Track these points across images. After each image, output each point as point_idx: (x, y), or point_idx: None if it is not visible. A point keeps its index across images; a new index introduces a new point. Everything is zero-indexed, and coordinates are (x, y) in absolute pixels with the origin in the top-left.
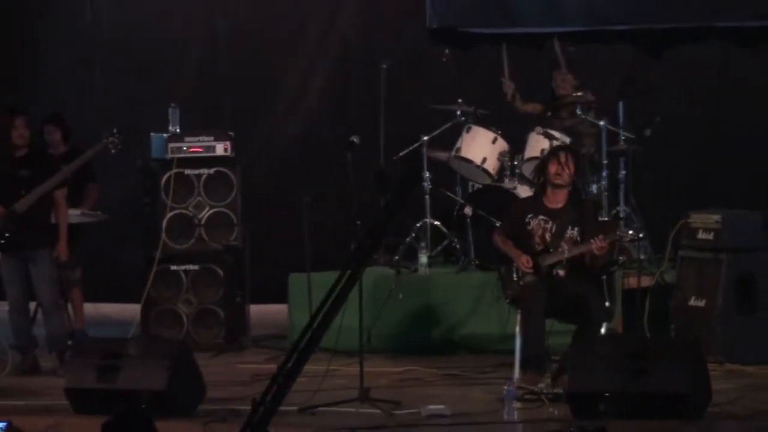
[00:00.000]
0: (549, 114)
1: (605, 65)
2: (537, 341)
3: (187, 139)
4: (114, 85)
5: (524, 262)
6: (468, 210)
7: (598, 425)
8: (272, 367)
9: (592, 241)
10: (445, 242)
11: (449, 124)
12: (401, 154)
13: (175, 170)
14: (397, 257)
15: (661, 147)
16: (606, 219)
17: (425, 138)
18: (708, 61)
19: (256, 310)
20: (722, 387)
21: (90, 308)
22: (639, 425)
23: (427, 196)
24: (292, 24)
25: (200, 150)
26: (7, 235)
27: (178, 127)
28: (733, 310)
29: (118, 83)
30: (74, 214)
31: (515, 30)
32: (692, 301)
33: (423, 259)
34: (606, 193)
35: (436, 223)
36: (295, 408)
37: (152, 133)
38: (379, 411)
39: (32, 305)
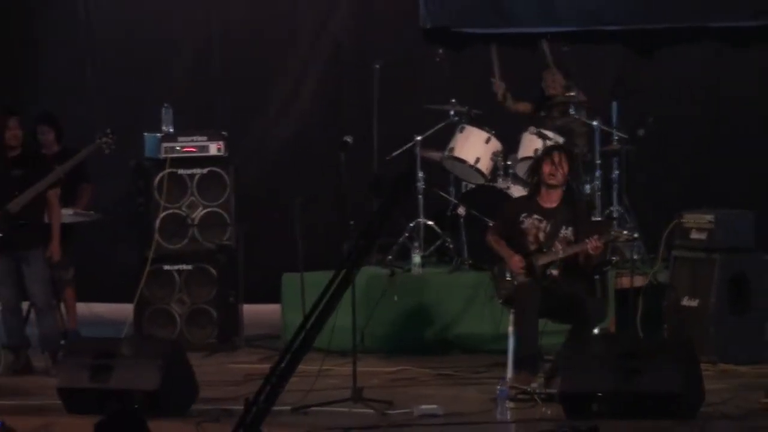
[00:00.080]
0: (542, 114)
1: (597, 65)
2: (530, 341)
3: (181, 139)
4: (107, 85)
5: (516, 262)
6: (461, 210)
7: (591, 425)
8: (265, 367)
9: (587, 241)
10: (439, 242)
11: (442, 124)
12: (394, 154)
13: (168, 170)
14: (390, 257)
15: (654, 147)
16: (599, 219)
17: (418, 138)
18: (700, 61)
19: (249, 310)
20: (715, 387)
21: (83, 308)
22: (632, 425)
23: (420, 196)
24: (284, 25)
25: (193, 150)
26: (0, 235)
27: (171, 127)
28: (725, 310)
29: (111, 83)
30: (67, 214)
31: (508, 30)
32: (685, 301)
33: (416, 258)
34: (599, 193)
35: (430, 222)
36: (288, 408)
37: (145, 133)
38: (372, 411)
39: (25, 305)
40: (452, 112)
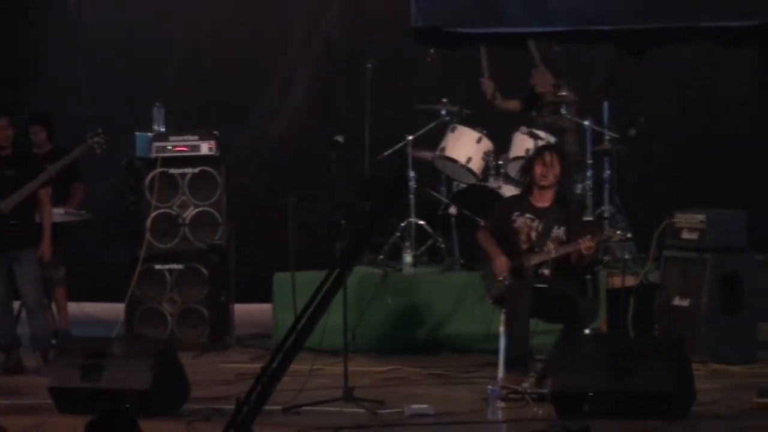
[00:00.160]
0: (533, 114)
1: (589, 65)
2: (521, 341)
3: (172, 138)
4: (99, 84)
5: (500, 264)
6: (453, 209)
7: (583, 425)
8: (256, 366)
9: (580, 241)
10: (430, 242)
11: (434, 123)
12: (386, 153)
13: (159, 169)
14: (381, 257)
15: (646, 147)
16: (590, 219)
17: (410, 137)
18: (691, 61)
19: (240, 309)
20: (706, 387)
21: (74, 307)
22: (623, 425)
23: (411, 196)
24: (276, 24)
25: (185, 149)
26: None
27: (162, 126)
28: (717, 310)
29: (102, 83)
30: (58, 213)
31: (500, 30)
32: (676, 301)
33: (408, 258)
34: (591, 193)
35: (421, 222)
36: (279, 407)
37: (137, 133)
38: (363, 410)
39: (16, 304)
40: (444, 112)
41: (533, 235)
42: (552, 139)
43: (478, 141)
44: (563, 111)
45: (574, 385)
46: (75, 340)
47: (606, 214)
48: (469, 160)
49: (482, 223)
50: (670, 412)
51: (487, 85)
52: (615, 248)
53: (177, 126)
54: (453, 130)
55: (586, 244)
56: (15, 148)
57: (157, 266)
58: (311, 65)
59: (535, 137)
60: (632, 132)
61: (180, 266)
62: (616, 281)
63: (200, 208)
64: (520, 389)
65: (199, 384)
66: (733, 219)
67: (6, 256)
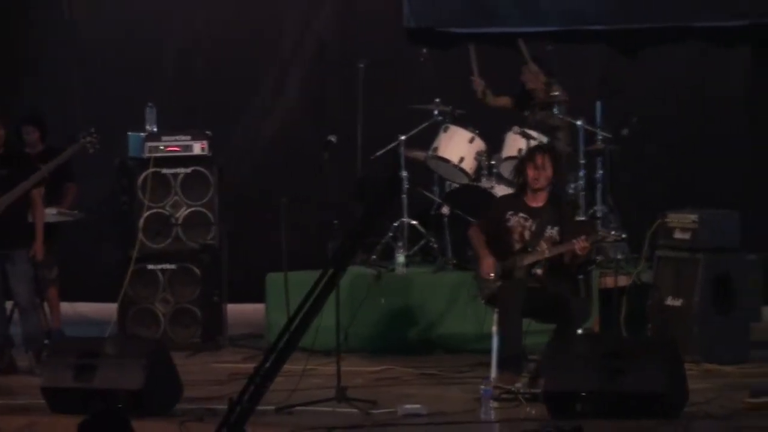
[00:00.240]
0: (526, 113)
1: (582, 65)
2: (514, 341)
3: (165, 138)
4: (91, 84)
5: (486, 266)
6: (445, 209)
7: (575, 425)
8: (249, 366)
9: (574, 241)
10: (423, 242)
11: (426, 123)
12: (378, 153)
13: (152, 169)
14: (374, 257)
15: (639, 147)
16: (583, 219)
17: (402, 138)
18: (684, 60)
19: (233, 309)
20: (699, 387)
21: (67, 307)
22: (616, 425)
23: (404, 196)
24: (269, 24)
25: (177, 149)
26: None
27: (155, 126)
28: (710, 310)
29: (95, 83)
30: (51, 213)
31: (492, 30)
32: (669, 301)
33: (400, 258)
34: (583, 193)
35: (414, 222)
36: (272, 407)
37: (129, 133)
38: (355, 410)
39: (8, 304)
40: (436, 112)
41: (527, 234)
42: (544, 139)
43: (471, 141)
44: (555, 111)
45: (567, 385)
46: (68, 340)
47: (598, 214)
48: (461, 160)
49: (473, 221)
50: (663, 412)
51: (478, 83)
52: (608, 248)
53: (169, 126)
54: (445, 130)
55: (580, 244)
56: (7, 148)
57: (150, 266)
58: (304, 65)
59: (528, 137)
60: (625, 132)
61: (173, 266)
62: (609, 281)
63: (193, 208)
64: (512, 389)
65: (192, 384)
66: (725, 219)
67: None
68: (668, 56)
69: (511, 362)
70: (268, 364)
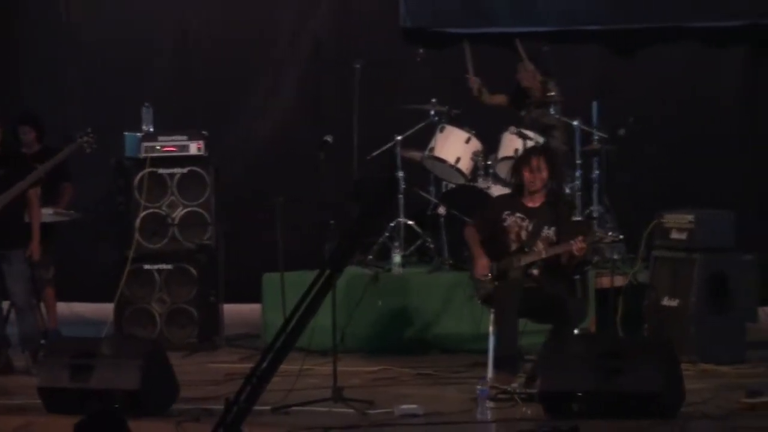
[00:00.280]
0: (522, 113)
1: (578, 65)
2: (510, 341)
3: (161, 138)
4: (88, 84)
5: (480, 267)
6: (442, 210)
7: (571, 425)
8: (245, 366)
9: (572, 242)
10: (419, 242)
11: (423, 123)
12: (375, 153)
13: (148, 169)
14: (370, 257)
15: (635, 147)
16: (579, 219)
17: (399, 138)
18: (680, 61)
19: (229, 309)
20: (696, 387)
21: (63, 307)
22: (612, 425)
23: (401, 196)
24: (265, 24)
25: (174, 149)
26: None
27: (151, 126)
28: (706, 310)
29: (92, 83)
30: (47, 213)
31: (489, 30)
32: (665, 301)
33: (397, 258)
34: (580, 193)
35: (410, 222)
36: (269, 407)
37: (126, 133)
38: (352, 410)
39: (5, 304)
40: (432, 112)
41: (523, 234)
42: (541, 140)
43: (467, 141)
44: (551, 111)
45: (563, 385)
46: (64, 340)
47: (595, 214)
48: (458, 160)
49: (468, 220)
50: (659, 412)
51: (473, 81)
52: (604, 248)
53: (166, 126)
54: (442, 130)
55: (577, 245)
56: (4, 148)
57: (146, 266)
58: (300, 65)
59: (524, 137)
60: (621, 132)
61: (169, 266)
62: (605, 281)
63: (189, 208)
64: (509, 389)
65: (189, 384)
66: (721, 219)
67: None
68: (665, 56)
69: (507, 362)
70: (264, 365)
